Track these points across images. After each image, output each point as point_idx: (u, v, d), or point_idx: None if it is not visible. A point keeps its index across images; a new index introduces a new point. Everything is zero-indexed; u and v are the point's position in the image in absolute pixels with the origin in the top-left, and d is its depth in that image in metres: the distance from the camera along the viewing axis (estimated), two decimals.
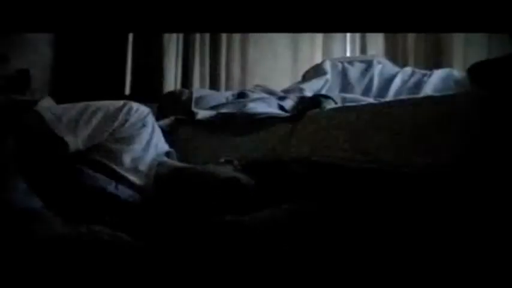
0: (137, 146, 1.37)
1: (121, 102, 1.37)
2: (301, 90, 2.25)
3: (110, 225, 1.19)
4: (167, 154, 1.47)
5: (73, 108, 1.31)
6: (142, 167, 1.37)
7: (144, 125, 1.38)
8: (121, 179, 1.34)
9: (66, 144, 1.26)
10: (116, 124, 1.33)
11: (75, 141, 1.27)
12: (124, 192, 1.33)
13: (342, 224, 1.18)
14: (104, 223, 1.19)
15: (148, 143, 1.39)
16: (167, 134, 1.62)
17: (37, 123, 1.27)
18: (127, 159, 1.35)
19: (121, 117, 1.34)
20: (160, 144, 1.45)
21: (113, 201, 1.31)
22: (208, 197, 1.30)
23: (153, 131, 1.41)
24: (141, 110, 1.38)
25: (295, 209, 1.22)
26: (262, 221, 1.15)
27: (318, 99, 1.72)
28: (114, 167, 1.33)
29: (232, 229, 1.11)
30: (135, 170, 1.36)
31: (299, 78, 2.61)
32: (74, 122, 1.28)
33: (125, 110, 1.35)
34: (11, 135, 1.24)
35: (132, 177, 1.35)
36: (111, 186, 1.31)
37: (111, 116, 1.33)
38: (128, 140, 1.35)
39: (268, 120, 1.71)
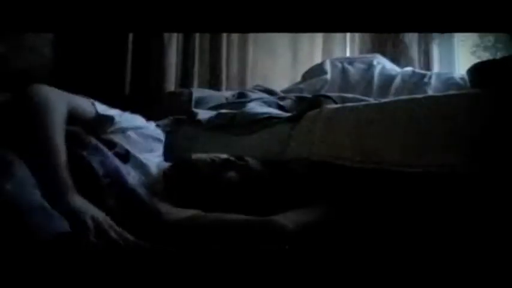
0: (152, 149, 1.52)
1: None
2: (301, 90, 2.26)
3: (113, 211, 1.19)
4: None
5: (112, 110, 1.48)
6: (152, 168, 1.47)
7: (162, 132, 1.59)
8: (137, 167, 1.41)
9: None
10: (147, 124, 1.55)
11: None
12: (134, 179, 1.35)
13: (344, 225, 1.18)
14: (107, 208, 1.19)
15: (159, 151, 1.55)
16: (167, 134, 1.63)
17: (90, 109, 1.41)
18: (143, 152, 1.47)
19: (151, 124, 1.58)
20: (162, 160, 1.56)
21: (122, 186, 1.30)
22: (218, 179, 1.33)
23: (162, 146, 1.57)
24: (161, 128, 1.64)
25: (300, 211, 1.22)
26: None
27: (317, 99, 1.72)
28: (136, 154, 1.43)
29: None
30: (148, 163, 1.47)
31: (299, 78, 2.61)
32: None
33: (152, 123, 1.60)
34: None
35: (149, 166, 1.44)
36: (125, 171, 1.34)
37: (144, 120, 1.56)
38: (149, 140, 1.51)
39: (267, 121, 1.71)
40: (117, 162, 1.32)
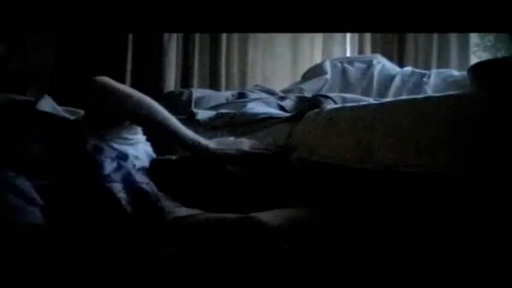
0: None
1: None
2: (300, 90, 2.26)
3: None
4: None
5: None
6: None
7: None
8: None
9: None
10: None
11: None
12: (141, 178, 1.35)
13: (340, 225, 1.18)
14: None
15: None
16: None
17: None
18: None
19: None
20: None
21: (132, 184, 1.30)
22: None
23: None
24: None
25: (300, 211, 1.22)
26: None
27: (317, 99, 1.72)
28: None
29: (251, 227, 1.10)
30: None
31: (299, 79, 2.61)
32: None
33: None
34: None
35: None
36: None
37: None
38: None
39: (268, 120, 1.70)
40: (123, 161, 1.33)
